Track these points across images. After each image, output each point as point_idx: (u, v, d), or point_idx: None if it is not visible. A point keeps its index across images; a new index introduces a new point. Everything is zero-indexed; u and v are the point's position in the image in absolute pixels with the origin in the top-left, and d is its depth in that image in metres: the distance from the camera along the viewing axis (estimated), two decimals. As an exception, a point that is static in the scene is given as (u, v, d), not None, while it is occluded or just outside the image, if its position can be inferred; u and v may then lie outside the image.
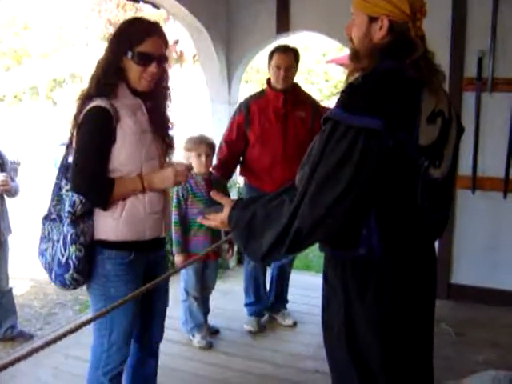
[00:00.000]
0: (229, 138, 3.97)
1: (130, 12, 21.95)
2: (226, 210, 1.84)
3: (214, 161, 3.95)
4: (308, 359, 3.63)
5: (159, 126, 2.43)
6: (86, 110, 2.26)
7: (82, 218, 2.27)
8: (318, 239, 1.68)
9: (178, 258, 3.67)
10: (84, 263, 2.29)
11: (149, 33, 2.30)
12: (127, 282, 2.36)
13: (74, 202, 2.24)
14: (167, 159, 2.50)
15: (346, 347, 1.73)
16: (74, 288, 2.39)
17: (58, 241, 2.29)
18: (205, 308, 3.90)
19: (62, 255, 2.26)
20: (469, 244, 4.60)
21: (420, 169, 1.62)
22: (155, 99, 2.43)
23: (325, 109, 3.85)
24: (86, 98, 2.29)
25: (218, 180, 3.80)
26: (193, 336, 3.79)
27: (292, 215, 1.60)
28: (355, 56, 1.74)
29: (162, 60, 2.35)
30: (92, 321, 2.05)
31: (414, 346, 1.76)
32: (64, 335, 1.71)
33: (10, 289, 4.18)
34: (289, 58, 3.82)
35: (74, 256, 2.25)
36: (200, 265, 3.74)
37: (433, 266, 1.86)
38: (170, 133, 2.52)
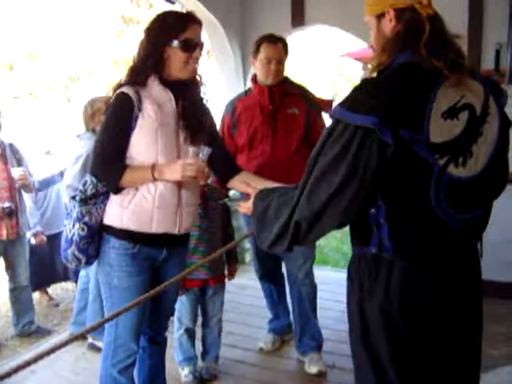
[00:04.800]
0: None
1: (144, 8, 22.01)
2: (252, 199, 1.97)
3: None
4: (325, 353, 3.59)
5: (191, 118, 2.41)
6: (113, 97, 2.34)
7: (91, 199, 2.35)
8: (319, 233, 1.68)
9: None
10: (86, 243, 2.35)
11: (190, 20, 2.35)
12: (131, 275, 2.38)
13: (86, 181, 2.35)
14: (201, 153, 2.33)
15: (360, 342, 1.74)
16: (76, 266, 2.49)
17: (72, 218, 2.38)
18: (202, 344, 3.45)
19: (70, 231, 2.36)
20: (485, 238, 4.54)
21: (433, 167, 1.56)
22: (188, 90, 2.43)
23: (323, 102, 3.57)
24: (118, 86, 2.36)
25: (214, 189, 3.27)
26: (182, 369, 3.37)
27: (293, 208, 1.66)
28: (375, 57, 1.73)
29: (202, 46, 2.39)
30: (104, 323, 2.10)
31: (431, 349, 1.71)
32: (87, 331, 1.73)
33: (28, 284, 4.23)
34: (279, 49, 3.34)
35: (76, 233, 2.33)
36: (197, 292, 3.33)
37: (467, 268, 1.80)
38: (206, 122, 2.49)
